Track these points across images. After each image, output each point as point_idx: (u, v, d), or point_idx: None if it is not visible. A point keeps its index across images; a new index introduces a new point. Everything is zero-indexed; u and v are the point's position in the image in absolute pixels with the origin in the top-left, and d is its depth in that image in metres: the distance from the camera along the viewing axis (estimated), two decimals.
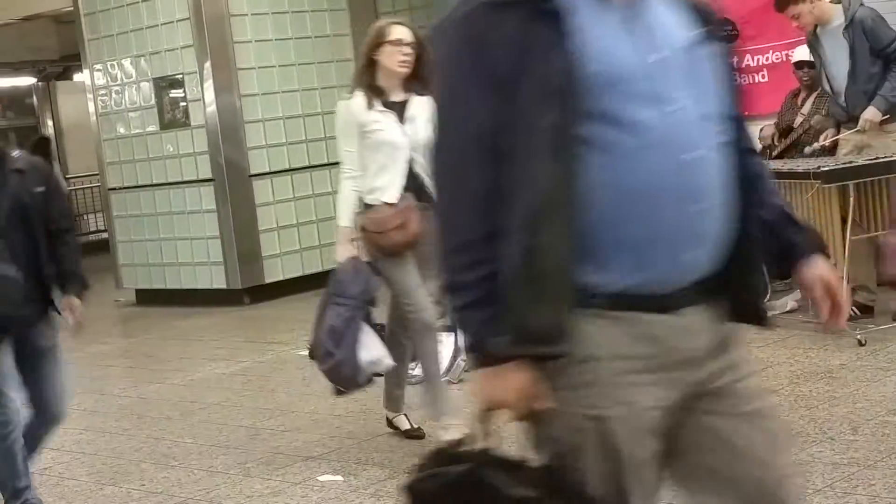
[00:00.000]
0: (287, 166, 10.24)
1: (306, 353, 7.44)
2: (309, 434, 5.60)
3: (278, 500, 4.69)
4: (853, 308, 6.43)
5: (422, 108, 4.84)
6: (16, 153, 4.50)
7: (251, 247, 10.00)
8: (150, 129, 10.42)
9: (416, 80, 4.87)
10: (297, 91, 10.29)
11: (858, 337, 6.04)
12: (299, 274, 10.22)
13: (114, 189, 10.83)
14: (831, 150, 6.99)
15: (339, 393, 5.04)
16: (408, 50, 4.83)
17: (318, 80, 10.40)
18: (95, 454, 5.67)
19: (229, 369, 7.41)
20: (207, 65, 9.80)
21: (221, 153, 9.86)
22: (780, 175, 6.45)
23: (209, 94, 9.84)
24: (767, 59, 8.67)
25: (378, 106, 4.86)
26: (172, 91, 10.21)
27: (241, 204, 9.95)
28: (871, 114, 6.53)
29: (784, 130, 7.49)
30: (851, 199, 6.01)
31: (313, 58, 10.38)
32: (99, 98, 10.87)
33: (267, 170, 10.11)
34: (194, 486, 4.99)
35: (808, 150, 7.10)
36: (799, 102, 7.52)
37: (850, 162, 6.24)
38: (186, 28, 9.91)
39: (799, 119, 7.40)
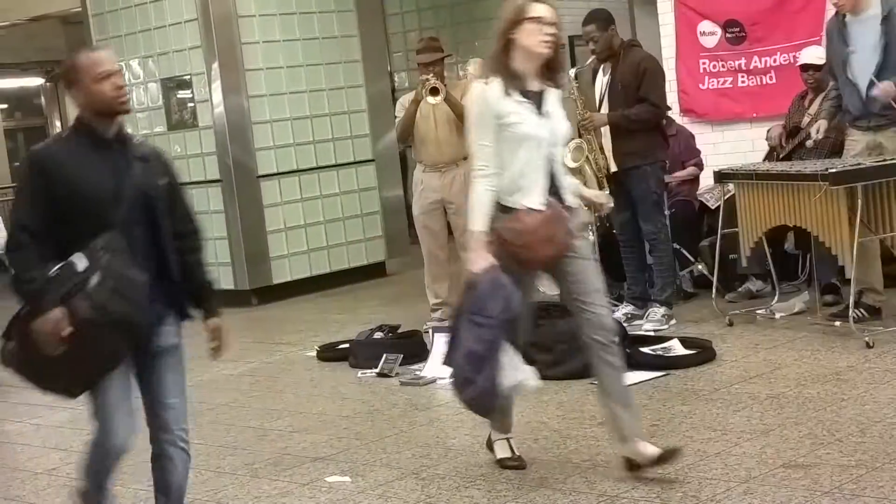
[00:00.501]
0: (295, 167, 10.25)
1: (314, 353, 7.53)
2: (317, 435, 5.61)
3: (286, 501, 4.70)
4: (861, 310, 6.44)
5: (557, 103, 4.43)
6: (137, 138, 3.92)
7: (259, 248, 10.01)
8: (158, 129, 10.42)
9: (549, 71, 4.39)
10: (304, 92, 10.30)
11: (866, 339, 6.03)
12: (307, 275, 10.26)
13: None
14: (838, 151, 6.97)
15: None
16: (550, 29, 4.28)
17: (325, 81, 10.41)
18: None
19: (237, 370, 7.41)
20: (215, 66, 9.81)
21: (229, 154, 9.87)
22: (788, 177, 6.46)
23: (217, 95, 9.85)
24: (775, 60, 8.68)
25: (516, 95, 4.32)
26: (180, 92, 10.22)
27: (248, 205, 9.96)
28: (885, 84, 6.27)
29: (791, 131, 7.50)
30: (859, 200, 6.01)
31: (321, 59, 10.39)
32: None
33: (275, 171, 10.12)
34: (202, 486, 5.00)
35: (808, 143, 7.12)
36: (806, 104, 7.53)
37: (858, 164, 6.22)
38: (194, 29, 9.92)
39: (806, 119, 7.40)
